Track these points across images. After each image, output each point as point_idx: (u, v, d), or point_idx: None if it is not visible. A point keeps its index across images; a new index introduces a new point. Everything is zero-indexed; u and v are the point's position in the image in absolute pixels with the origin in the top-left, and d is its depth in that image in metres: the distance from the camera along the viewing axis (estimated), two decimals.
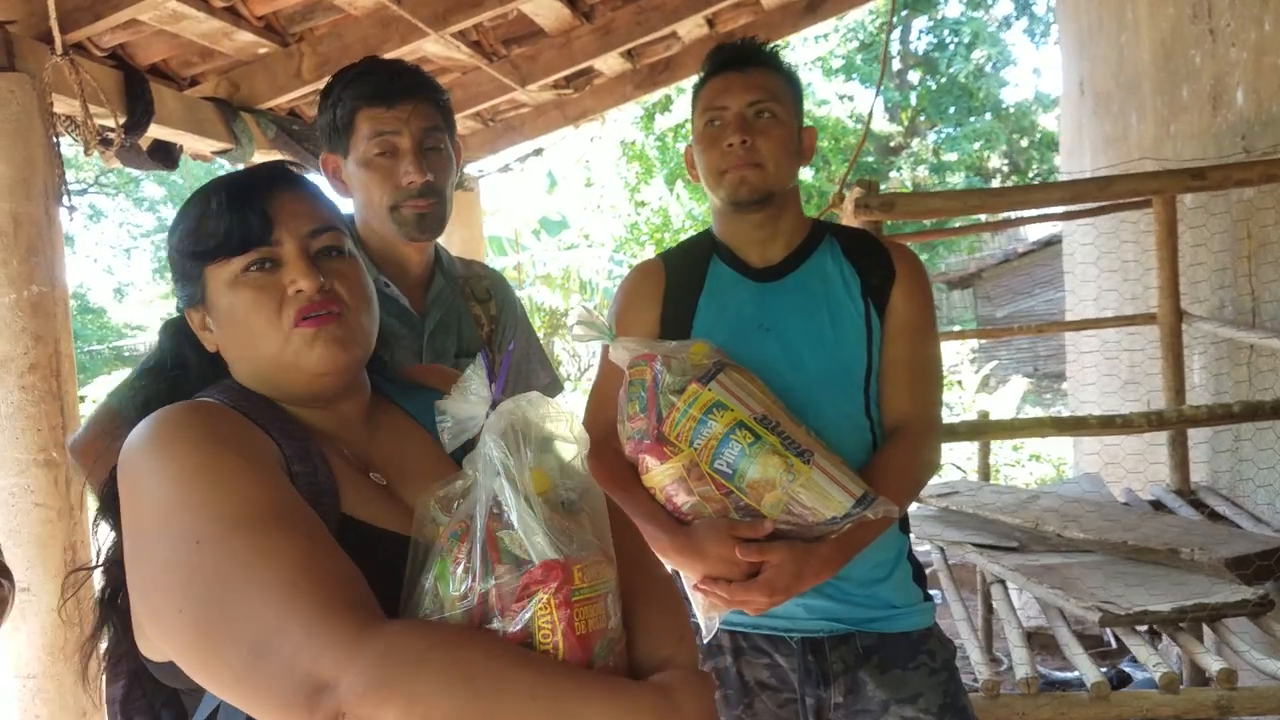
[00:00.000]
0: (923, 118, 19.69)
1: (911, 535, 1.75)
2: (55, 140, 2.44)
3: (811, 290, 1.66)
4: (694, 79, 1.72)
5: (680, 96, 12.36)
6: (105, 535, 1.02)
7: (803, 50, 14.58)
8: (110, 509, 0.99)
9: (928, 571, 1.81)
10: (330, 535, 0.93)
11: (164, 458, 0.92)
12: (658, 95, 10.15)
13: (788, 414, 1.48)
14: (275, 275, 1.01)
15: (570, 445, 1.00)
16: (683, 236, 12.70)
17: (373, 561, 0.94)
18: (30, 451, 2.34)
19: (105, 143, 2.64)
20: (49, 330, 2.37)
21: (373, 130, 1.59)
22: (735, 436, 1.43)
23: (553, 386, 1.93)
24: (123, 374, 11.11)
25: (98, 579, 1.02)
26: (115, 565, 1.00)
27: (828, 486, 1.43)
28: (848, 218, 3.13)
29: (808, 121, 1.75)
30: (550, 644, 0.89)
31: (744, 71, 1.62)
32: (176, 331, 1.10)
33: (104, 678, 1.05)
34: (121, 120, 2.69)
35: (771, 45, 1.73)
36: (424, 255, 1.73)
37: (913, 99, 19.55)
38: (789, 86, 1.66)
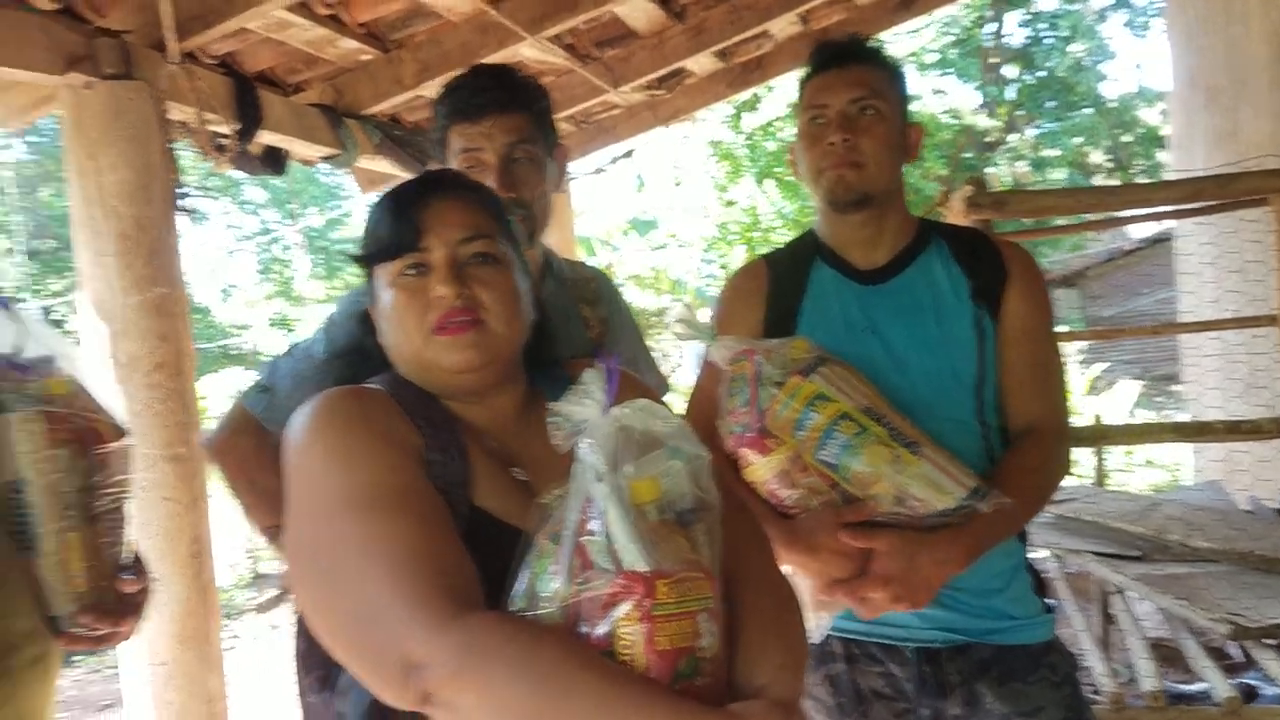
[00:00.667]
0: (1020, 112, 19.17)
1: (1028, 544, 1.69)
2: (172, 146, 2.54)
3: (917, 293, 1.63)
4: (786, 77, 1.72)
5: (768, 95, 12.26)
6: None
7: (895, 46, 14.33)
8: None
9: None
10: (448, 523, 0.98)
11: (311, 438, 1.01)
12: (750, 94, 10.11)
13: (892, 408, 1.46)
14: (424, 280, 1.08)
15: (689, 451, 0.99)
16: (772, 235, 12.66)
17: (498, 554, 0.97)
18: (158, 447, 2.44)
19: (219, 149, 2.75)
20: (172, 330, 2.47)
21: (461, 147, 1.61)
22: (839, 428, 1.41)
23: (660, 388, 1.92)
24: (230, 372, 11.49)
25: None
26: None
27: (937, 477, 1.40)
28: (955, 216, 3.07)
29: None
30: (629, 656, 0.89)
31: (845, 68, 1.60)
32: (364, 321, 1.20)
33: (294, 632, 1.15)
34: (233, 126, 2.80)
35: (873, 41, 1.72)
36: (533, 260, 1.74)
37: (1009, 93, 19.06)
38: (893, 82, 1.63)
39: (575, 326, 1.78)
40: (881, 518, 1.42)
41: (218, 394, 9.55)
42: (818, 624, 1.54)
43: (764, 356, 1.48)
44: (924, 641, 1.58)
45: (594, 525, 0.92)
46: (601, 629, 0.89)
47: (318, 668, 1.11)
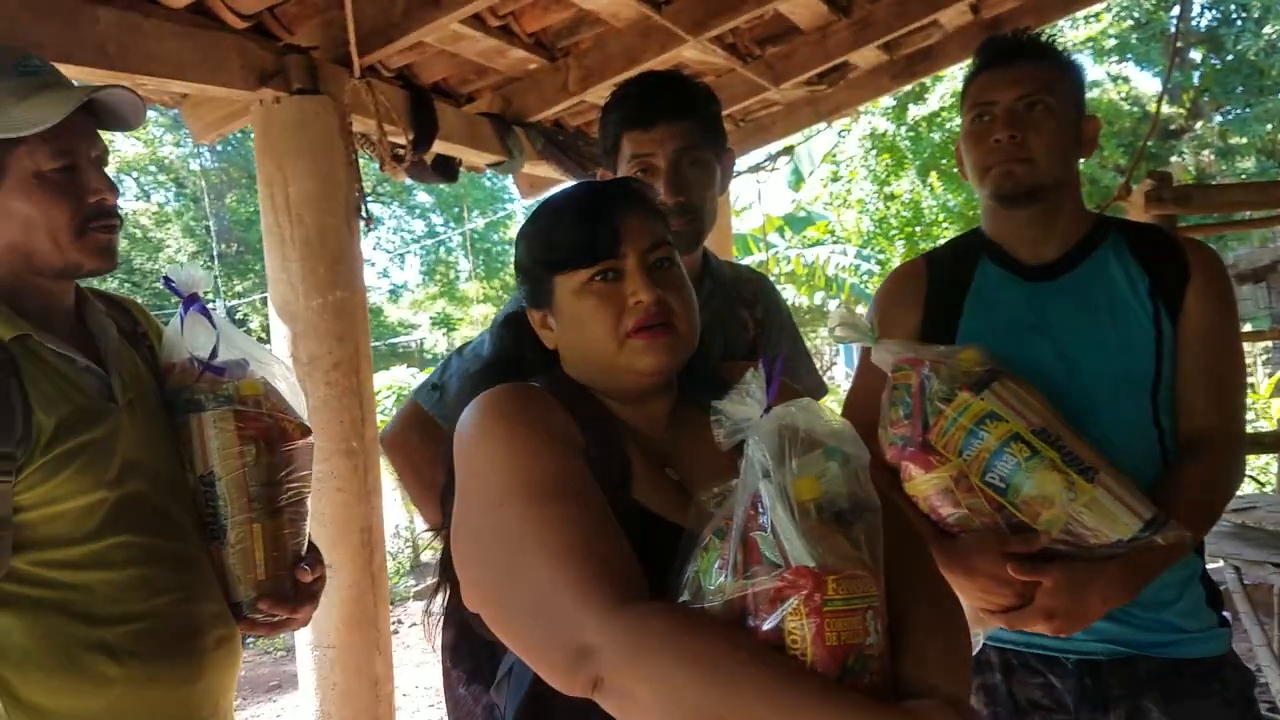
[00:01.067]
0: (1206, 98, 17.87)
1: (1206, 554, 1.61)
2: (354, 157, 2.67)
3: (1090, 291, 1.56)
4: (956, 68, 1.67)
5: (936, 85, 11.86)
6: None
7: (1072, 32, 13.59)
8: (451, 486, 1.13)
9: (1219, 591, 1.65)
10: (610, 514, 1.00)
11: (480, 432, 1.06)
12: (907, 90, 9.82)
13: (1069, 427, 1.40)
14: (617, 285, 1.11)
15: (849, 457, 1.00)
16: (935, 230, 12.25)
17: (655, 550, 1.00)
18: (334, 441, 2.57)
19: (396, 159, 2.87)
20: (350, 332, 2.60)
21: (633, 153, 1.63)
22: (1010, 449, 1.36)
23: (818, 390, 1.92)
24: (399, 370, 12.00)
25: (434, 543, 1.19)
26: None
27: (1113, 506, 1.34)
28: (1136, 212, 2.89)
29: None
30: (799, 650, 0.90)
31: (1012, 64, 1.54)
32: (518, 327, 1.23)
33: (439, 625, 1.21)
34: (410, 137, 2.92)
35: (1044, 33, 1.64)
36: (693, 261, 1.76)
37: (1195, 79, 17.79)
38: (1064, 76, 1.56)
39: (733, 327, 1.80)
40: (1048, 544, 1.36)
41: (385, 391, 10.00)
42: (972, 638, 1.49)
43: (931, 368, 1.44)
44: (1086, 653, 1.53)
45: (762, 521, 0.94)
46: (769, 623, 0.91)
47: (467, 660, 1.17)
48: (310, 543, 1.58)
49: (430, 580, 1.22)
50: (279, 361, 1.61)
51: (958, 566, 1.41)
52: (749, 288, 1.87)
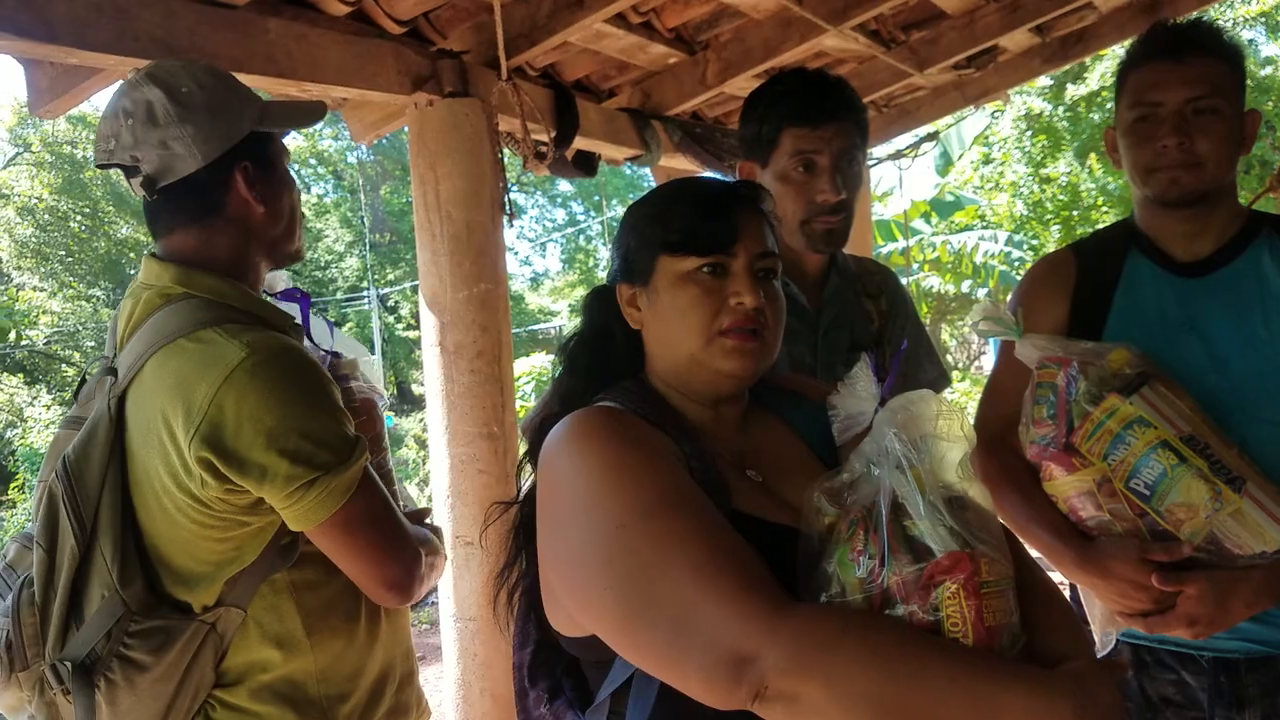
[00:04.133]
0: None
1: None
2: (500, 155, 2.78)
3: (1243, 287, 1.52)
4: (1113, 50, 1.61)
5: (1096, 63, 11.28)
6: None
7: (1244, 6, 12.64)
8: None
9: None
10: (729, 523, 0.99)
11: (581, 455, 1.03)
12: (1066, 68, 9.38)
13: (1218, 434, 1.37)
14: (721, 282, 1.10)
15: (959, 443, 1.01)
16: (1094, 215, 11.67)
17: (768, 553, 0.99)
18: (476, 426, 2.71)
19: (539, 155, 2.97)
20: (493, 322, 2.72)
21: (795, 148, 1.66)
22: (1157, 456, 1.35)
23: (940, 380, 1.92)
24: (539, 357, 12.28)
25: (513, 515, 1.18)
26: (529, 502, 1.14)
27: (1259, 518, 1.32)
28: None
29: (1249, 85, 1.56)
30: (959, 633, 0.92)
31: (1181, 61, 1.47)
32: (606, 302, 1.21)
33: (514, 644, 1.20)
34: (552, 134, 3.01)
35: (1211, 20, 1.57)
36: (822, 257, 1.80)
37: None
38: (1233, 73, 1.50)
39: (859, 319, 1.83)
40: (1190, 549, 1.35)
41: (525, 377, 10.27)
42: (1103, 637, 1.52)
43: (1079, 369, 1.42)
44: (1222, 651, 1.49)
45: (902, 509, 0.96)
46: (924, 610, 0.93)
47: (545, 678, 1.16)
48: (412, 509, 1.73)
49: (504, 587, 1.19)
50: (349, 338, 1.77)
51: (1094, 568, 1.41)
52: (873, 280, 1.89)
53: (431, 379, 2.77)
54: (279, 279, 1.67)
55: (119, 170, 1.42)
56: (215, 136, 1.39)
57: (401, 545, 1.40)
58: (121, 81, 1.44)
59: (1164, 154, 1.47)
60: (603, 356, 1.18)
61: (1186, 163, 1.46)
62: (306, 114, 1.55)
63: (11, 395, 14.96)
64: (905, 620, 0.92)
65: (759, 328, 1.10)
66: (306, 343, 1.62)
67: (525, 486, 1.18)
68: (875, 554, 0.95)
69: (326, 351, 1.60)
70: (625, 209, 1.22)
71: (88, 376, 1.49)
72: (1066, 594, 1.58)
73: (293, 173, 1.54)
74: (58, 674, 1.32)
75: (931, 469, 0.98)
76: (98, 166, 1.49)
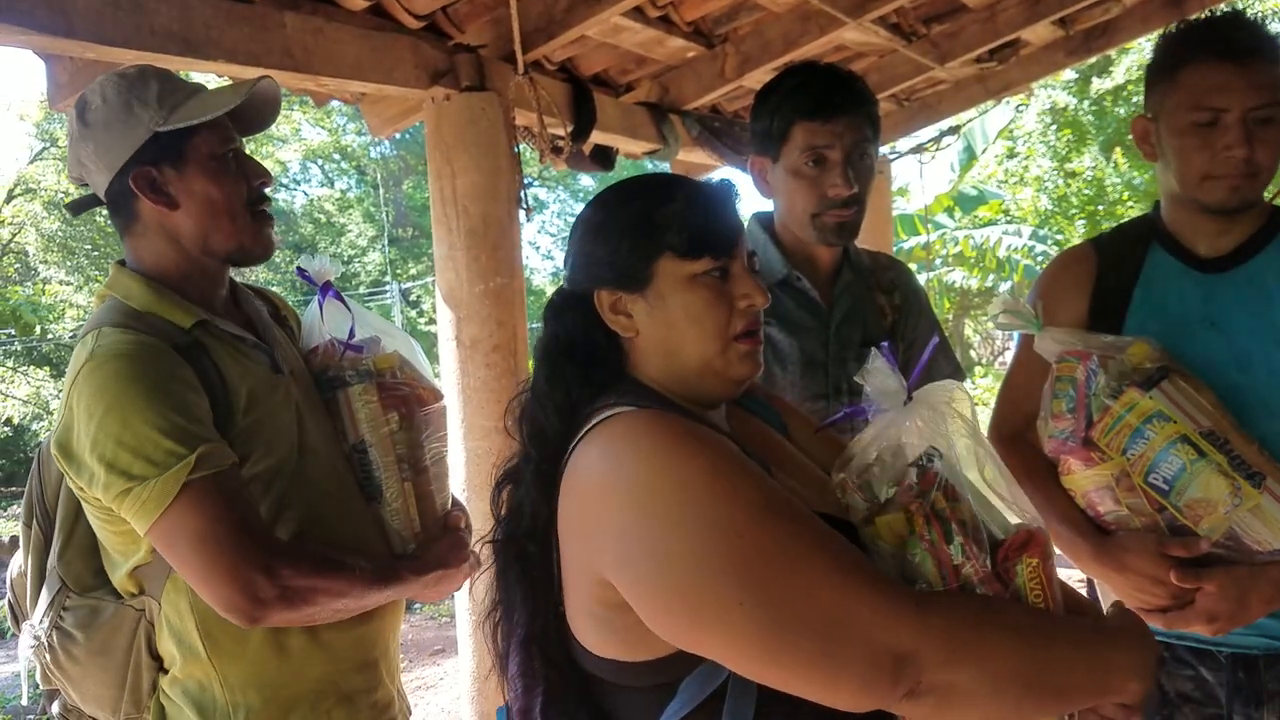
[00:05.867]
0: None
1: None
2: (516, 150, 2.78)
3: (1265, 283, 1.50)
4: (1139, 43, 1.58)
5: (1122, 57, 11.15)
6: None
7: None
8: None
9: None
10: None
11: (667, 460, 0.93)
12: (1091, 61, 9.28)
13: (1238, 429, 1.37)
14: (726, 285, 1.06)
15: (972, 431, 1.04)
16: (1119, 210, 11.55)
17: None
18: (492, 419, 2.70)
19: (555, 150, 2.97)
20: (509, 316, 2.73)
21: (807, 143, 1.66)
22: (1176, 451, 1.34)
23: (954, 376, 1.92)
24: None
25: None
26: (530, 536, 1.08)
27: (1279, 514, 1.32)
28: None
29: None
30: (1041, 604, 0.98)
31: (1246, 65, 1.42)
32: (579, 309, 1.10)
33: (513, 691, 1.11)
34: (569, 128, 3.01)
35: (1258, 16, 1.54)
36: (834, 251, 1.80)
37: None
38: None
39: (871, 314, 1.83)
40: (1208, 544, 1.36)
41: None
42: None
43: (1099, 363, 1.42)
44: (1240, 647, 1.49)
45: (954, 495, 1.00)
46: (1006, 588, 0.98)
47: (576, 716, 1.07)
48: (454, 498, 1.70)
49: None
50: (405, 335, 1.73)
51: (1112, 563, 1.41)
52: (886, 274, 1.89)
53: (447, 373, 2.78)
54: (326, 269, 1.64)
55: None
56: (113, 148, 1.40)
57: (235, 564, 1.28)
58: None
59: (1227, 162, 1.44)
60: (589, 365, 1.08)
61: (1248, 172, 1.44)
62: (221, 97, 1.44)
63: (38, 388, 15.15)
64: (1011, 599, 0.98)
65: (759, 328, 1.09)
66: (321, 337, 1.61)
67: (510, 515, 1.12)
68: (936, 540, 0.97)
69: (345, 344, 1.59)
70: (582, 210, 1.13)
71: None
72: (1084, 588, 1.59)
73: (228, 165, 1.46)
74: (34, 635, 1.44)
75: (976, 454, 1.03)
76: (71, 179, 1.54)
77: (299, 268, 1.62)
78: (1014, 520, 1.02)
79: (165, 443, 1.28)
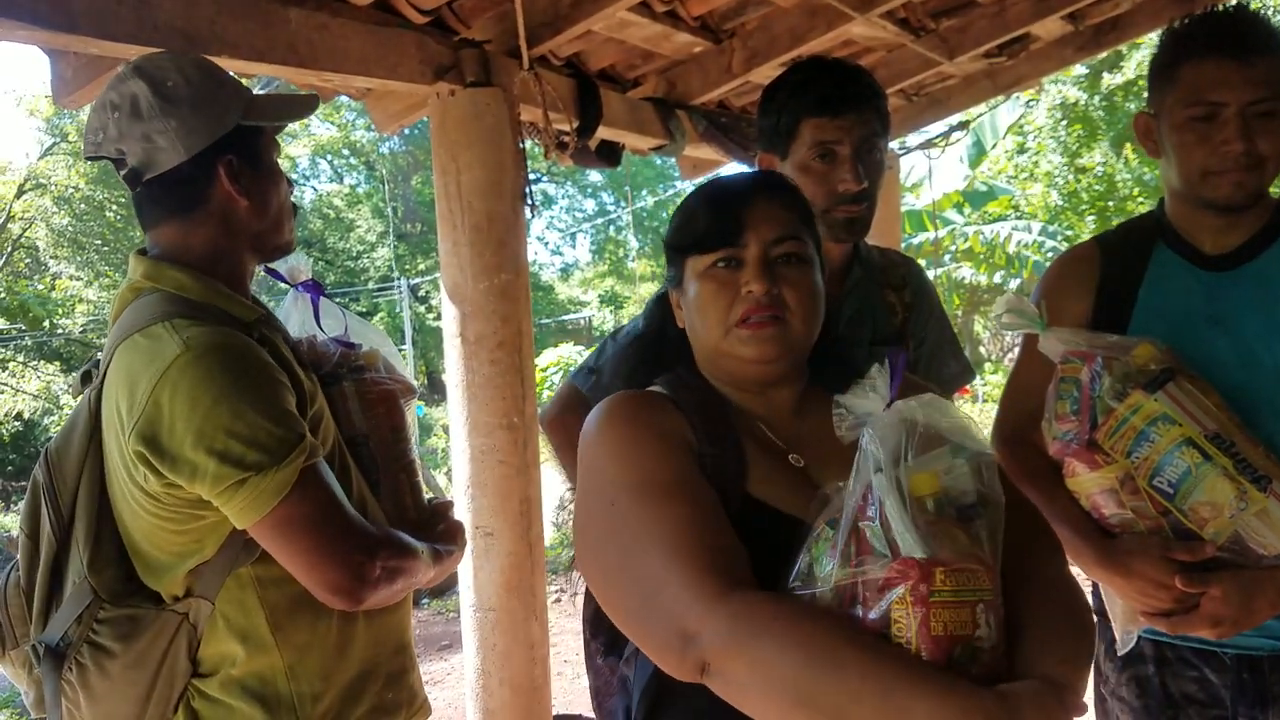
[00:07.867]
0: None
1: None
2: (521, 146, 2.77)
3: (1272, 281, 1.49)
4: (1149, 38, 1.57)
5: (1133, 52, 11.10)
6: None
7: None
8: None
9: None
10: (719, 510, 1.06)
11: (597, 436, 1.14)
12: (1102, 56, 9.25)
13: (1244, 432, 1.36)
14: (736, 274, 1.15)
15: (973, 454, 1.01)
16: (1130, 205, 11.50)
17: (773, 540, 1.05)
18: (496, 416, 2.70)
19: (561, 146, 2.96)
20: (513, 313, 2.71)
21: (815, 139, 1.64)
22: (1181, 454, 1.33)
23: (963, 375, 1.92)
24: (567, 347, 12.32)
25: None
26: None
27: None
28: None
29: None
30: (904, 639, 0.93)
31: (1245, 60, 1.41)
32: (665, 306, 1.30)
33: (584, 599, 1.31)
34: (574, 124, 3.00)
35: (1260, 11, 1.52)
36: (844, 248, 1.78)
37: None
38: None
39: (880, 312, 1.82)
40: (1213, 548, 1.35)
41: (553, 367, 10.30)
42: (1124, 635, 1.52)
43: (1104, 363, 1.41)
44: (1245, 648, 1.48)
45: (872, 513, 0.97)
46: (876, 612, 0.94)
47: (604, 633, 1.26)
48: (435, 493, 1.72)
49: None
50: (376, 330, 1.74)
51: (1116, 567, 1.40)
52: (897, 272, 1.88)
53: (452, 370, 2.77)
54: (300, 269, 1.66)
55: (109, 161, 1.44)
56: (199, 130, 1.38)
57: (348, 548, 1.34)
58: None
59: (1226, 157, 1.43)
60: (654, 354, 1.29)
61: (1250, 165, 1.42)
62: (297, 107, 1.54)
63: (48, 383, 15.24)
64: (845, 618, 0.95)
65: (778, 313, 1.13)
66: (317, 334, 1.62)
67: None
68: (841, 554, 0.97)
69: (338, 342, 1.61)
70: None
71: (92, 372, 1.50)
72: (1089, 592, 1.58)
73: (280, 166, 1.53)
74: (37, 655, 1.37)
75: (924, 476, 0.98)
76: (86, 158, 1.50)
77: (267, 267, 1.60)
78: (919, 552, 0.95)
79: (278, 431, 1.29)
